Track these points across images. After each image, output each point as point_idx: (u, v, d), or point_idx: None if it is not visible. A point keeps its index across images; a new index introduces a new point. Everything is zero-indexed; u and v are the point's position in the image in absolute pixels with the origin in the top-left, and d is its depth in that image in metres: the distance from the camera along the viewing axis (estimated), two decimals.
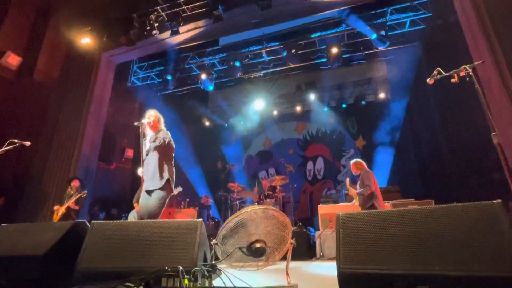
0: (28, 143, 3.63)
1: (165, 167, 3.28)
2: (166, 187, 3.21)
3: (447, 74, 2.70)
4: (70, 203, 5.61)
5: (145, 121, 3.41)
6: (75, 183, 5.92)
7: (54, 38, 7.42)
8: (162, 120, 3.59)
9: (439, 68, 2.78)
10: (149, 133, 3.48)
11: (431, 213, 1.60)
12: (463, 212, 1.53)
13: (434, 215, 1.59)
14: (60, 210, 5.64)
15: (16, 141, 3.56)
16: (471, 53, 5.11)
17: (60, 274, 2.04)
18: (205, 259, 2.14)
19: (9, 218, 6.05)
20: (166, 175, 3.23)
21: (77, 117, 7.16)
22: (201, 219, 2.16)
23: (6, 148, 3.50)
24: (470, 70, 2.56)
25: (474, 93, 2.51)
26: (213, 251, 2.24)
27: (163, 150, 3.32)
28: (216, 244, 2.24)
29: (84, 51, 7.25)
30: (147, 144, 3.38)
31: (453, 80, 2.64)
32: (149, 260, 1.97)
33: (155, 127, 3.48)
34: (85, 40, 7.05)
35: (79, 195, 5.64)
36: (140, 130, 3.40)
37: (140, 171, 3.39)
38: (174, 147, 3.48)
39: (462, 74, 2.60)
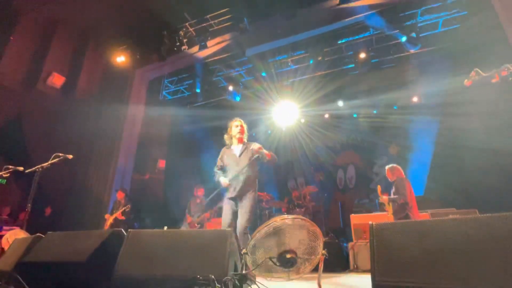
0: (70, 156, 3.88)
1: None
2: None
3: (487, 74, 2.53)
4: (117, 214, 6.09)
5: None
6: (119, 195, 6.41)
7: (93, 57, 8.02)
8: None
9: (477, 69, 2.61)
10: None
11: (475, 224, 1.47)
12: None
13: (478, 226, 1.45)
14: (109, 220, 6.17)
15: (60, 154, 3.82)
16: None
17: (100, 279, 2.14)
18: (235, 269, 2.14)
19: (55, 226, 6.49)
20: None
21: (113, 131, 7.62)
22: (230, 229, 2.18)
23: (52, 161, 3.77)
24: None
25: None
26: (243, 260, 2.24)
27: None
28: (246, 253, 2.24)
29: (120, 68, 7.74)
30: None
31: (493, 80, 2.46)
32: (181, 269, 2.01)
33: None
34: (121, 59, 7.54)
35: (123, 208, 6.09)
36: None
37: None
38: None
39: (503, 73, 2.41)
